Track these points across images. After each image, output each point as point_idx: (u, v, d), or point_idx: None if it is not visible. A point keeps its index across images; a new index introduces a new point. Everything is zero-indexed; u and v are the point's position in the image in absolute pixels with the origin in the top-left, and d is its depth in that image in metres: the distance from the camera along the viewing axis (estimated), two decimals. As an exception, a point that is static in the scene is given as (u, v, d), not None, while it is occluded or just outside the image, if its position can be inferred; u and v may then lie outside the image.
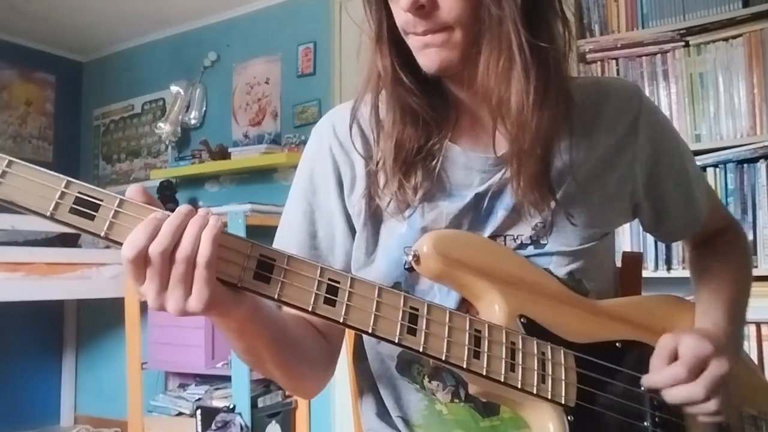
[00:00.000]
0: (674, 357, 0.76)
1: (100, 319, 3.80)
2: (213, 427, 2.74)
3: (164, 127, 3.60)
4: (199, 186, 3.62)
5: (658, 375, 0.76)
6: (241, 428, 2.70)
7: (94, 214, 0.60)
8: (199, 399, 3.06)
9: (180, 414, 3.12)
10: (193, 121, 3.66)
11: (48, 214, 0.59)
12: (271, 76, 3.45)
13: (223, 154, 3.37)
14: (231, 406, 2.79)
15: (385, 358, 0.86)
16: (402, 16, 0.73)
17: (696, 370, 0.74)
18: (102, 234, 0.60)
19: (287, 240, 0.87)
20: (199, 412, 2.87)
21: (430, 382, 0.83)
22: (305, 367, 0.82)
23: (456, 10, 0.70)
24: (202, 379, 3.22)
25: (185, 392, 3.20)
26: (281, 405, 2.98)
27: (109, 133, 4.13)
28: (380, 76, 0.78)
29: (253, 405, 2.81)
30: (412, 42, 0.74)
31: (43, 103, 4.06)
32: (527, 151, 0.75)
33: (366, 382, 0.91)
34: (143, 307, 3.09)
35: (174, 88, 3.63)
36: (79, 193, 0.60)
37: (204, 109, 3.68)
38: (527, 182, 0.77)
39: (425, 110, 0.78)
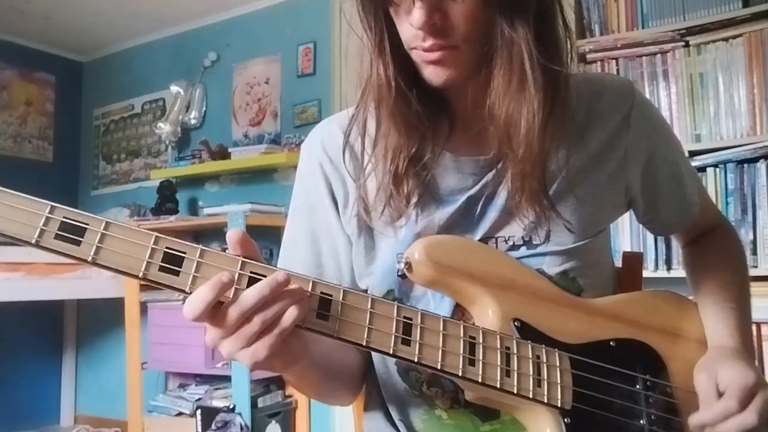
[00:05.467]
0: (718, 392, 0.75)
1: (100, 319, 3.80)
2: (213, 427, 2.74)
3: (164, 127, 3.60)
4: (199, 186, 3.62)
5: (709, 412, 0.74)
6: (241, 428, 2.70)
7: (80, 239, 0.59)
8: (199, 399, 3.06)
9: (180, 414, 3.12)
10: (193, 121, 3.65)
11: (33, 241, 0.57)
12: (271, 76, 3.45)
13: (223, 154, 3.37)
14: (231, 406, 2.79)
15: (388, 362, 0.86)
16: (410, 31, 0.72)
17: (746, 402, 0.73)
18: (89, 259, 0.58)
19: (292, 261, 0.87)
20: (199, 412, 2.87)
21: (428, 389, 0.83)
22: (346, 386, 0.89)
23: (467, 30, 0.70)
24: (202, 379, 3.22)
25: (185, 392, 3.20)
26: (281, 405, 2.98)
27: (109, 133, 4.13)
28: (382, 87, 0.76)
29: (253, 405, 2.81)
30: (418, 56, 0.74)
31: (43, 103, 4.05)
32: (531, 169, 0.75)
33: (372, 383, 0.91)
34: (143, 307, 3.09)
35: (174, 88, 3.63)
36: (64, 218, 0.59)
37: (204, 109, 3.68)
38: (521, 187, 0.77)
39: (421, 121, 0.78)
